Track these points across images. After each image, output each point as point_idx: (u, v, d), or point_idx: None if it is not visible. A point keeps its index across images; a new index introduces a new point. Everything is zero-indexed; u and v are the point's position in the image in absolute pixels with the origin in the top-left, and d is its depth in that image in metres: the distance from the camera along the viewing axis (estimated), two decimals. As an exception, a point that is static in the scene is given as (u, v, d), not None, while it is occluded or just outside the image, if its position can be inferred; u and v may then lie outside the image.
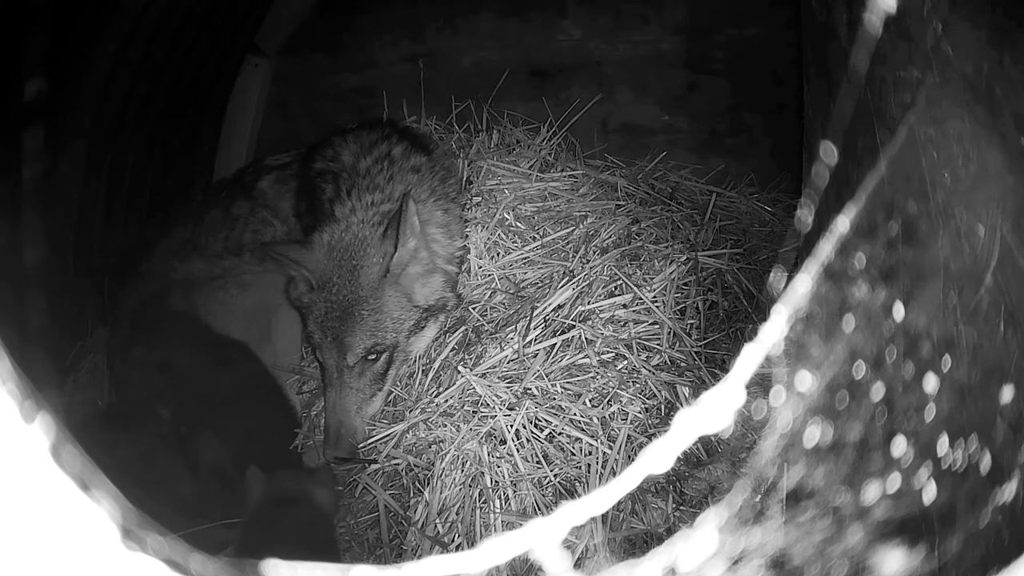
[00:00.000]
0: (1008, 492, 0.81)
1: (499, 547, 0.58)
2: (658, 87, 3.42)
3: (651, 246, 2.60)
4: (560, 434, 2.06)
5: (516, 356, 2.23)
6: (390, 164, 2.53)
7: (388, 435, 2.19)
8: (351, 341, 2.25)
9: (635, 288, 2.36)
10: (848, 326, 1.11)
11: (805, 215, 1.31)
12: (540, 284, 2.56)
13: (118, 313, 2.65)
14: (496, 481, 1.98)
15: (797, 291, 0.78)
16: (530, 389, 2.13)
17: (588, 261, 2.54)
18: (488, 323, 2.43)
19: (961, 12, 1.01)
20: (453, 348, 2.37)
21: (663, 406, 2.08)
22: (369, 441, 2.22)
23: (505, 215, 2.82)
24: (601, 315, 2.31)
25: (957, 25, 1.01)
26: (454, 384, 2.20)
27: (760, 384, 0.92)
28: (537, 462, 2.01)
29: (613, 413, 2.07)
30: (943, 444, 0.92)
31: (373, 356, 2.27)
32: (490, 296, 2.56)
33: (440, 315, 2.44)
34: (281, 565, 0.60)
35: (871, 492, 0.92)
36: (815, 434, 0.96)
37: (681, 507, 1.87)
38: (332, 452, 2.23)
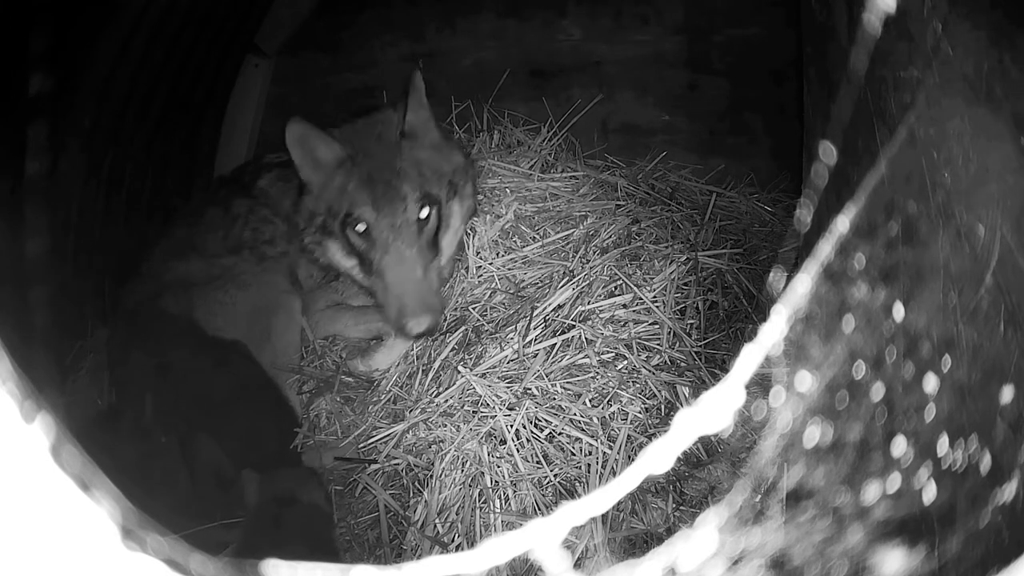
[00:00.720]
0: (1008, 492, 0.81)
1: (499, 547, 0.58)
2: (658, 87, 3.41)
3: (651, 246, 2.60)
4: (560, 434, 2.06)
5: (516, 356, 2.23)
6: None
7: (388, 435, 2.19)
8: (404, 189, 2.26)
9: (635, 288, 2.36)
10: (848, 326, 1.11)
11: (805, 215, 1.31)
12: (540, 284, 2.56)
13: (118, 313, 2.65)
14: (496, 481, 1.98)
15: (797, 291, 0.78)
16: (530, 389, 2.13)
17: (588, 261, 2.54)
18: (488, 323, 2.43)
19: (961, 12, 1.01)
20: (453, 348, 2.37)
21: (663, 406, 2.08)
22: (369, 441, 2.22)
23: (506, 215, 2.82)
24: (601, 315, 2.31)
25: (957, 25, 1.01)
26: (454, 384, 2.20)
27: (760, 384, 0.92)
28: (537, 462, 2.01)
29: (613, 413, 2.07)
30: (943, 444, 0.92)
31: (425, 209, 2.28)
32: (490, 296, 2.56)
33: (463, 200, 2.48)
34: (281, 565, 0.60)
35: (871, 492, 0.92)
36: (815, 434, 0.96)
37: (681, 507, 1.87)
38: (416, 325, 2.13)
